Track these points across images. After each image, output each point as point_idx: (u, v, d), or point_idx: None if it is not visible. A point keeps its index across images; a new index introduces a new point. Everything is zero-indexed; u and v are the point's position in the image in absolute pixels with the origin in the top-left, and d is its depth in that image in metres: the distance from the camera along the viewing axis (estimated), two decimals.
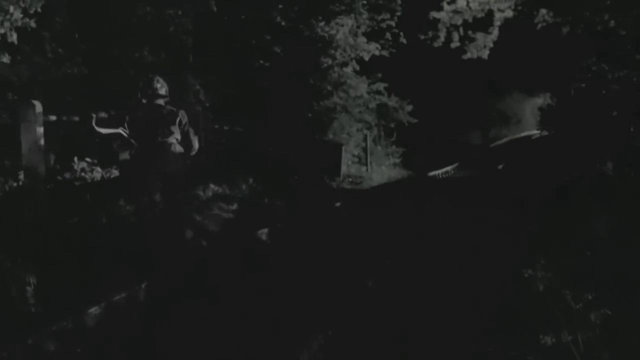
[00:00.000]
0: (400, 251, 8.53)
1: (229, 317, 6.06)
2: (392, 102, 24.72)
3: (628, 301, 4.27)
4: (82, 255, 7.09)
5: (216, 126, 12.76)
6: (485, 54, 20.89)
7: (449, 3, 20.66)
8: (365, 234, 10.12)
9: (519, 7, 18.34)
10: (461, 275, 6.88)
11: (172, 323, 5.96)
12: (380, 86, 23.14)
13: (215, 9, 11.85)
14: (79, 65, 10.53)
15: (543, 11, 14.95)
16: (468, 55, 21.16)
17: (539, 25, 16.82)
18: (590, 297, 3.85)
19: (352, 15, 19.52)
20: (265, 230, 9.66)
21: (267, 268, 8.02)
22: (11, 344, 5.00)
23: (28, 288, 6.24)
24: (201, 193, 11.05)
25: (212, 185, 11.40)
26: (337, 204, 13.19)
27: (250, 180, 12.24)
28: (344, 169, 19.91)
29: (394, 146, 27.54)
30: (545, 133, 45.29)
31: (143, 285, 6.66)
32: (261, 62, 15.26)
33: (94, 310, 5.86)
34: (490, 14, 19.78)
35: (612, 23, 9.57)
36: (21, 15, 7.68)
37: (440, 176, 26.78)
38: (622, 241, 5.03)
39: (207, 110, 12.11)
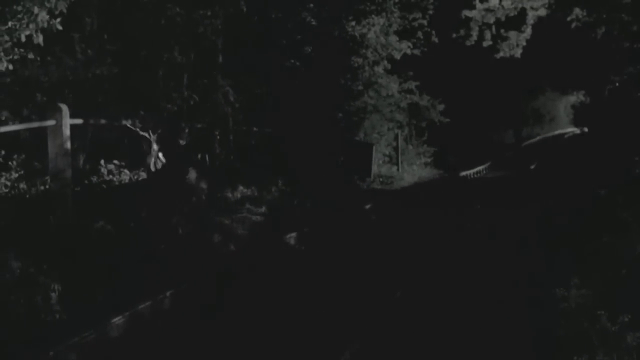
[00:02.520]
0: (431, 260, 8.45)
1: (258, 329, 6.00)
2: (424, 101, 24.48)
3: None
4: (108, 261, 7.02)
5: (244, 127, 12.71)
6: (518, 53, 20.68)
7: (481, 1, 20.46)
8: (394, 236, 10.09)
9: (553, 6, 18.11)
10: (495, 292, 6.80)
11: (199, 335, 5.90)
12: (412, 85, 22.92)
13: (245, 9, 11.78)
14: (108, 66, 10.46)
15: (577, 10, 14.74)
16: (501, 54, 20.96)
17: (573, 24, 16.60)
18: (627, 319, 3.70)
19: (384, 14, 19.36)
20: (294, 234, 9.58)
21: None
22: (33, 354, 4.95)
23: (52, 294, 6.18)
24: (230, 195, 10.97)
25: (240, 187, 11.32)
26: (367, 206, 13.10)
27: (280, 182, 12.14)
28: (374, 168, 19.77)
29: (425, 145, 27.32)
30: (578, 131, 44.81)
31: (168, 294, 6.57)
32: (292, 62, 15.17)
33: (117, 320, 5.78)
34: (523, 12, 19.57)
35: None
36: (47, 17, 7.60)
37: (472, 176, 26.54)
38: None
39: (236, 111, 12.03)
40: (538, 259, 7.78)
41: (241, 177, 11.51)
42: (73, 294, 6.19)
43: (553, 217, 10.46)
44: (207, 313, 6.55)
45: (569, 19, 16.81)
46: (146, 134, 8.23)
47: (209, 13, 11.34)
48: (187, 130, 10.81)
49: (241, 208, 10.61)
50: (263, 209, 10.73)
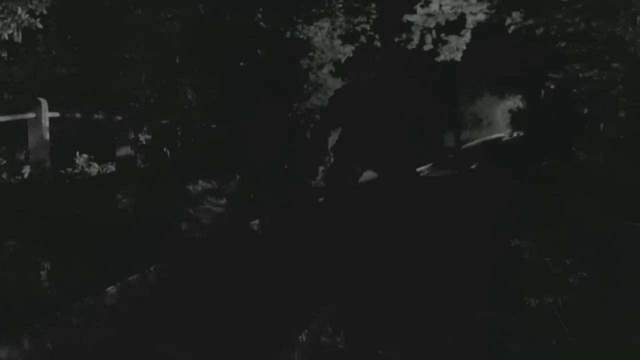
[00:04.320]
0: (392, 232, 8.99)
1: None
2: None
3: (602, 264, 4.80)
4: (88, 245, 7.52)
5: (204, 125, 13.24)
6: (458, 57, 21.47)
7: (422, 6, 21.18)
8: (349, 222, 10.65)
9: (492, 11, 18.90)
10: (454, 246, 7.42)
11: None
12: None
13: (203, 12, 12.30)
14: (72, 66, 10.89)
15: (516, 14, 15.52)
16: (441, 58, 21.72)
17: (511, 28, 17.40)
18: (568, 262, 4.36)
19: (329, 18, 19.96)
20: (257, 221, 10.15)
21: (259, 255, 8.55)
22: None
23: (42, 272, 6.67)
24: (191, 188, 11.49)
25: (201, 181, 11.84)
26: (321, 199, 13.68)
27: (237, 176, 12.68)
28: (320, 170, 20.33)
29: None
30: (515, 134, 45.91)
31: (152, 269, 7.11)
32: (246, 63, 15.69)
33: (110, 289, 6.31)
34: (462, 17, 20.35)
35: (582, 25, 10.06)
36: (27, 16, 8.03)
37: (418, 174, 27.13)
38: (594, 215, 5.56)
39: (194, 109, 12.55)
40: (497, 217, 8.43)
41: (201, 172, 12.05)
42: (58, 273, 6.70)
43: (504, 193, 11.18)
44: (185, 285, 7.08)
45: (507, 23, 17.62)
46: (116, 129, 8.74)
47: (169, 15, 11.84)
48: (145, 128, 11.30)
49: (203, 200, 11.14)
50: (224, 201, 11.28)
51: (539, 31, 11.67)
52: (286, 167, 16.42)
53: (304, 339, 4.99)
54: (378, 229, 9.70)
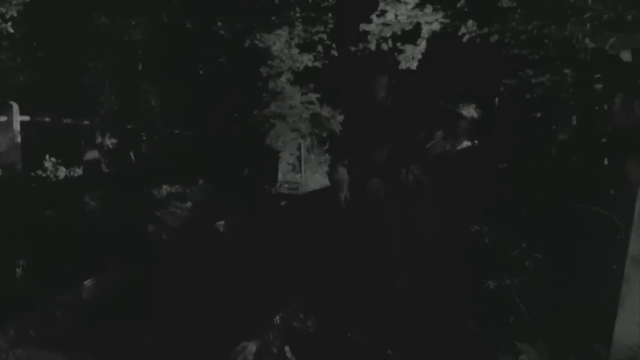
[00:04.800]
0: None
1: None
2: (325, 112, 25.33)
3: (555, 247, 5.16)
4: (59, 245, 7.74)
5: (168, 130, 13.47)
6: (414, 66, 21.77)
7: (378, 16, 21.49)
8: (311, 223, 11.01)
9: (447, 20, 19.29)
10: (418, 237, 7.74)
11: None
12: (313, 97, 23.73)
13: (166, 20, 12.54)
14: (37, 73, 11.04)
15: (470, 23, 15.90)
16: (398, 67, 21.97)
17: (466, 37, 17.76)
18: (525, 246, 4.70)
19: (287, 27, 20.23)
20: (222, 222, 10.41)
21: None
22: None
23: (18, 270, 6.89)
24: (156, 192, 11.71)
25: (165, 186, 12.06)
26: (283, 203, 14.01)
27: (201, 182, 12.91)
28: (280, 176, 20.65)
29: (327, 155, 28.18)
30: (469, 144, 46.59)
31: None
32: (207, 70, 15.93)
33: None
34: (418, 26, 20.69)
35: (535, 33, 10.44)
36: None
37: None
38: (550, 205, 5.91)
39: (157, 116, 12.78)
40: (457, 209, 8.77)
41: (166, 176, 12.27)
42: (34, 271, 6.93)
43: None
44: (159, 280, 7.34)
45: (461, 32, 17.98)
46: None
47: (133, 22, 12.05)
48: (108, 135, 11.50)
49: (168, 204, 11.38)
50: (189, 205, 11.52)
51: (494, 39, 12.02)
52: (246, 173, 16.68)
53: (278, 322, 5.28)
54: (341, 226, 10.06)
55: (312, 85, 23.41)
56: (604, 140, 6.91)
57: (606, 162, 6.77)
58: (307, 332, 5.28)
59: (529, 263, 4.65)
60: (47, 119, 9.59)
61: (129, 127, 12.10)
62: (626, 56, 5.60)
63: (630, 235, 3.79)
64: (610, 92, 6.76)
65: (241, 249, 9.16)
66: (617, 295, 3.84)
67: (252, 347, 4.67)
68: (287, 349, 4.88)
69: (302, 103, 23.02)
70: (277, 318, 5.34)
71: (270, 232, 10.52)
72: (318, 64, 22.54)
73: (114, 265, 7.35)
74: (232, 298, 6.64)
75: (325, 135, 27.34)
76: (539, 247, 4.99)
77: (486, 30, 13.59)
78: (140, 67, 12.99)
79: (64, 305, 6.11)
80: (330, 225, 10.68)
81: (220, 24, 16.23)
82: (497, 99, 18.71)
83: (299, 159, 24.40)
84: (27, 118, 8.97)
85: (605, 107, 7.18)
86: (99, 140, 10.63)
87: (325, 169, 27.99)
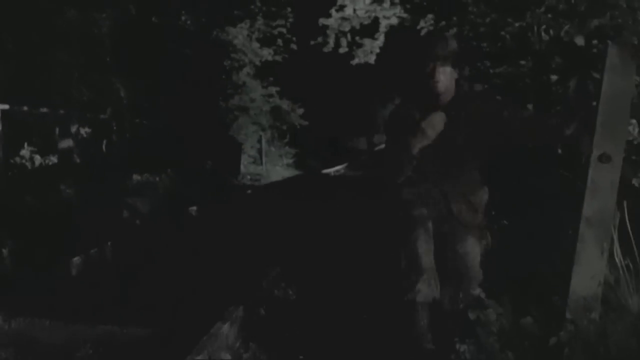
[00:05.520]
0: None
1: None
2: (285, 105, 25.72)
3: (522, 212, 5.60)
4: (42, 228, 8.07)
5: (137, 121, 13.76)
6: (372, 59, 22.09)
7: (337, 10, 21.81)
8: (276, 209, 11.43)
9: (405, 14, 19.67)
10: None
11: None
12: (273, 90, 24.10)
13: (134, 13, 12.79)
14: (7, 65, 11.23)
15: (429, 17, 16.28)
16: (356, 60, 22.32)
17: (424, 30, 18.15)
18: (493, 213, 5.13)
19: (248, 21, 20.52)
20: (194, 207, 10.78)
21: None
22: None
23: (4, 250, 7.21)
24: (126, 180, 12.01)
25: (134, 175, 12.38)
26: (249, 191, 14.40)
27: (169, 170, 13.23)
28: (242, 167, 21.03)
29: (287, 147, 28.59)
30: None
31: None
32: (173, 63, 16.21)
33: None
34: (376, 20, 21.04)
35: (492, 25, 10.84)
36: None
37: (333, 174, 27.93)
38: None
39: (127, 106, 13.06)
40: None
41: (136, 165, 12.58)
42: (18, 253, 7.26)
43: None
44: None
45: (419, 26, 18.34)
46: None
47: (103, 15, 12.30)
48: (77, 125, 11.76)
49: (138, 191, 11.69)
50: (158, 192, 11.85)
51: (452, 31, 12.37)
52: (209, 164, 17.01)
53: (260, 291, 5.67)
54: (306, 210, 10.50)
55: (271, 79, 23.82)
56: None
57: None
58: (289, 299, 5.67)
59: (496, 227, 5.09)
60: (25, 108, 9.84)
61: (101, 117, 12.39)
62: (580, 40, 6.05)
63: (584, 199, 4.28)
64: (565, 77, 7.20)
65: (213, 230, 9.56)
66: (573, 253, 4.32)
67: (239, 311, 5.05)
68: (261, 310, 5.28)
69: (262, 96, 23.42)
70: (259, 289, 5.73)
71: (238, 215, 10.93)
72: (278, 58, 22.93)
73: (95, 246, 7.67)
74: (211, 272, 7.01)
75: (285, 128, 27.80)
76: (506, 213, 5.47)
77: (444, 23, 13.92)
78: (109, 59, 13.24)
79: (49, 282, 6.44)
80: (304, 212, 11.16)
81: (185, 17, 16.55)
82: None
83: (260, 151, 24.80)
84: (6, 106, 9.23)
85: (560, 91, 7.59)
86: (73, 129, 10.93)
87: (286, 161, 28.48)
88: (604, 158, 4.25)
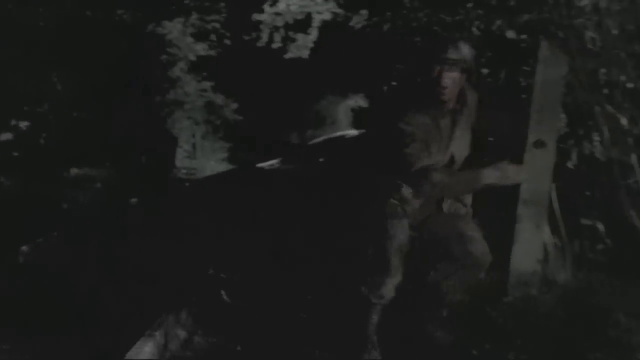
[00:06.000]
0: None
1: None
2: (218, 99, 25.65)
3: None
4: None
5: (75, 114, 13.76)
6: (305, 54, 22.28)
7: (270, 5, 21.95)
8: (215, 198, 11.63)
9: (338, 10, 19.88)
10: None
11: None
12: (207, 85, 24.05)
13: (70, 6, 12.79)
14: None
15: (363, 12, 16.51)
16: (289, 55, 22.48)
17: (358, 26, 18.37)
18: None
19: (184, 15, 20.53)
20: (135, 200, 10.90)
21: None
22: None
23: None
24: (65, 173, 12.05)
25: (73, 168, 12.41)
26: (187, 184, 14.50)
27: (107, 164, 13.29)
28: (177, 161, 21.07)
29: (221, 142, 28.52)
30: (357, 133, 47.15)
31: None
32: (110, 57, 16.18)
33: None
34: (309, 16, 21.23)
35: (424, 20, 11.12)
36: None
37: (268, 167, 27.94)
38: None
39: (65, 100, 13.07)
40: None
41: (74, 158, 12.62)
42: None
43: None
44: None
45: (352, 22, 18.57)
46: None
47: (40, 9, 12.27)
48: (19, 118, 11.79)
49: (78, 184, 11.77)
50: (98, 185, 11.93)
51: (387, 26, 12.58)
52: (144, 158, 17.05)
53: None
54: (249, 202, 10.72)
55: (205, 74, 23.83)
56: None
57: None
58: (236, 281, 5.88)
59: None
60: None
61: (39, 110, 12.41)
62: (510, 34, 6.39)
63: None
64: (496, 68, 7.54)
65: (152, 223, 9.71)
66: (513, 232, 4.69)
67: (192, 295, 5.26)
68: (222, 292, 5.48)
69: (196, 90, 23.41)
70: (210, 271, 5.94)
71: (181, 210, 11.09)
72: (212, 52, 22.96)
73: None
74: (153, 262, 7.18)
75: (219, 122, 27.77)
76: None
77: (376, 19, 14.11)
78: (45, 53, 13.22)
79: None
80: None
81: (121, 11, 16.54)
82: (385, 87, 19.06)
83: (194, 146, 24.79)
84: None
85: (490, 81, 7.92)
86: (13, 122, 10.97)
87: (220, 155, 28.48)
88: (539, 144, 4.60)
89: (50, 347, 4.97)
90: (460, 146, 4.70)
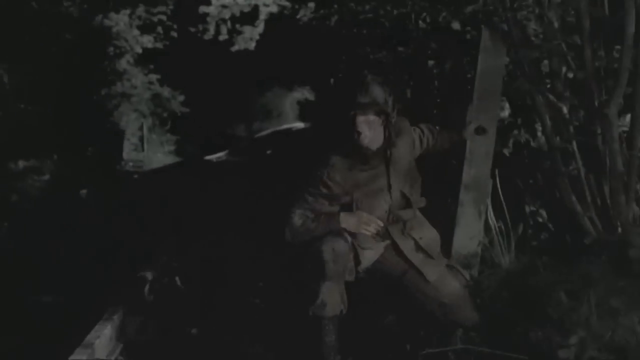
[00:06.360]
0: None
1: None
2: (165, 92, 25.65)
3: None
4: None
5: (22, 106, 13.72)
6: (252, 46, 22.39)
7: None
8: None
9: (285, 2, 19.98)
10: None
11: None
12: (154, 77, 24.04)
13: None
14: None
15: (310, 5, 16.60)
16: (236, 47, 22.58)
17: (304, 18, 18.46)
18: None
19: (130, 7, 20.49)
20: (85, 190, 10.94)
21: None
22: None
23: None
24: (12, 166, 12.03)
25: (20, 161, 12.40)
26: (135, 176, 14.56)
27: (55, 156, 13.28)
28: (124, 154, 21.07)
29: (168, 134, 28.49)
30: (303, 125, 47.19)
31: None
32: (58, 49, 16.11)
33: None
34: (256, 8, 21.31)
35: (371, 12, 11.24)
36: None
37: (215, 160, 27.99)
38: None
39: (11, 93, 13.04)
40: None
41: (22, 151, 12.60)
42: None
43: None
44: None
45: (299, 15, 18.63)
46: None
47: None
48: None
49: (25, 177, 11.76)
50: (46, 177, 11.95)
51: (334, 19, 12.63)
52: (90, 150, 17.03)
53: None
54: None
55: (152, 66, 23.80)
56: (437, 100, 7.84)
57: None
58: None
59: None
60: None
61: None
62: (455, 25, 6.57)
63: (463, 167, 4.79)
64: (442, 59, 7.72)
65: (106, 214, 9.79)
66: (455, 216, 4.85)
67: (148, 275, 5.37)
68: (176, 279, 5.59)
69: (143, 83, 23.39)
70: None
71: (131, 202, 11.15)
72: (159, 45, 22.94)
73: None
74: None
75: (166, 115, 27.74)
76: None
77: (322, 12, 14.15)
78: None
79: None
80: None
81: (67, 3, 16.49)
82: (332, 80, 19.14)
83: (141, 138, 24.75)
84: None
85: (435, 72, 8.09)
86: None
87: (167, 148, 28.47)
88: (480, 130, 4.76)
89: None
90: (402, 182, 4.46)
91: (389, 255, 4.53)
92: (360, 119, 4.15)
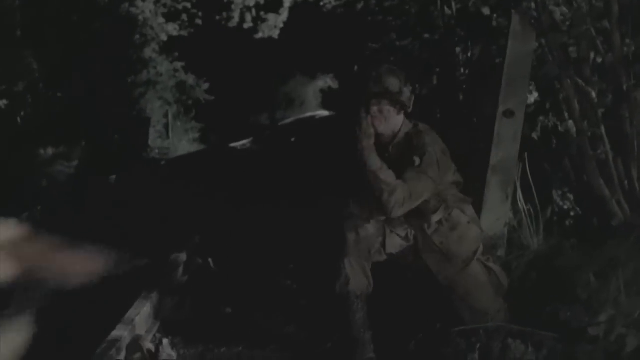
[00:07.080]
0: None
1: None
2: (190, 80, 25.83)
3: None
4: None
5: (50, 93, 13.88)
6: (276, 34, 22.39)
7: None
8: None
9: None
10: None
11: None
12: (178, 65, 24.21)
13: None
14: None
15: None
16: (260, 35, 22.58)
17: (329, 5, 18.47)
18: None
19: None
20: (114, 176, 11.08)
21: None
22: None
23: None
24: (42, 152, 12.19)
25: (50, 147, 12.56)
26: (162, 162, 14.69)
27: (84, 143, 13.45)
28: (150, 142, 21.22)
29: (193, 122, 28.63)
30: (327, 113, 47.24)
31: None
32: (84, 37, 16.27)
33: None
34: None
35: (396, 1, 11.26)
36: None
37: (240, 147, 28.10)
38: None
39: (40, 79, 13.20)
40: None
41: (51, 137, 12.76)
42: None
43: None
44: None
45: (323, 2, 18.64)
46: None
47: None
48: None
49: (55, 163, 11.93)
50: (75, 163, 12.10)
51: (360, 5, 12.66)
52: (116, 137, 17.20)
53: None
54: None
55: (177, 54, 23.96)
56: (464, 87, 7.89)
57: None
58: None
59: None
60: None
61: (15, 89, 12.50)
62: (486, 10, 6.62)
63: (490, 150, 4.87)
64: (469, 46, 7.77)
65: (135, 197, 9.93)
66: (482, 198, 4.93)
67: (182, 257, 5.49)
68: (209, 260, 5.70)
69: (168, 71, 23.55)
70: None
71: (158, 188, 11.28)
72: (184, 33, 23.08)
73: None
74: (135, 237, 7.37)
75: (190, 102, 27.92)
76: None
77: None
78: (19, 33, 13.32)
79: None
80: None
81: None
82: (355, 67, 19.10)
83: (166, 126, 24.90)
84: None
85: (462, 58, 8.14)
86: None
87: (192, 135, 28.62)
88: (508, 113, 4.83)
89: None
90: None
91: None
92: (375, 108, 4.19)
